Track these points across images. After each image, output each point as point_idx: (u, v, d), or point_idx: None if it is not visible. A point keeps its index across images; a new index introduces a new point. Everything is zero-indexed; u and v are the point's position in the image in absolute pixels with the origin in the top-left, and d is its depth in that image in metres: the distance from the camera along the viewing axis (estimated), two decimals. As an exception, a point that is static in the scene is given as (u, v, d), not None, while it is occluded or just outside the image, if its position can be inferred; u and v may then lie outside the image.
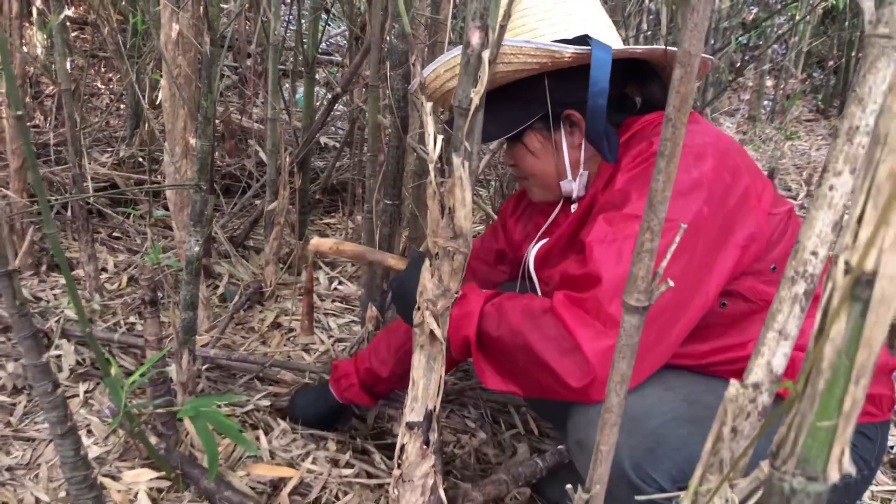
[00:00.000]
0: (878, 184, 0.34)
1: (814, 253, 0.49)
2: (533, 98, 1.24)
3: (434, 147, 0.90)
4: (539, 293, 1.39)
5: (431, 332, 0.97)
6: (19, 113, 1.10)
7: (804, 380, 0.38)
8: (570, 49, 1.15)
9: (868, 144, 0.41)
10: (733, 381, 0.47)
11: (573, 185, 1.31)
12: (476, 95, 0.85)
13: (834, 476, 0.38)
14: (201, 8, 1.76)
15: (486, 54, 0.84)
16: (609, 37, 1.25)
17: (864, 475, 1.22)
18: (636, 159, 1.16)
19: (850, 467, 0.38)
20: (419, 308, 0.98)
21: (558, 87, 1.22)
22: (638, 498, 1.02)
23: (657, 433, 1.06)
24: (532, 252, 1.41)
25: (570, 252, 1.28)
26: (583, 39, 1.19)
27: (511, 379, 1.16)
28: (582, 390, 1.05)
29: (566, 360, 1.04)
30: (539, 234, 1.43)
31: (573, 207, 1.35)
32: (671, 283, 0.65)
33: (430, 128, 0.90)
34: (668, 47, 1.23)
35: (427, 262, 0.96)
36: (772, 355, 0.49)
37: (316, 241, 1.50)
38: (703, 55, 1.32)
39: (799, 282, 0.49)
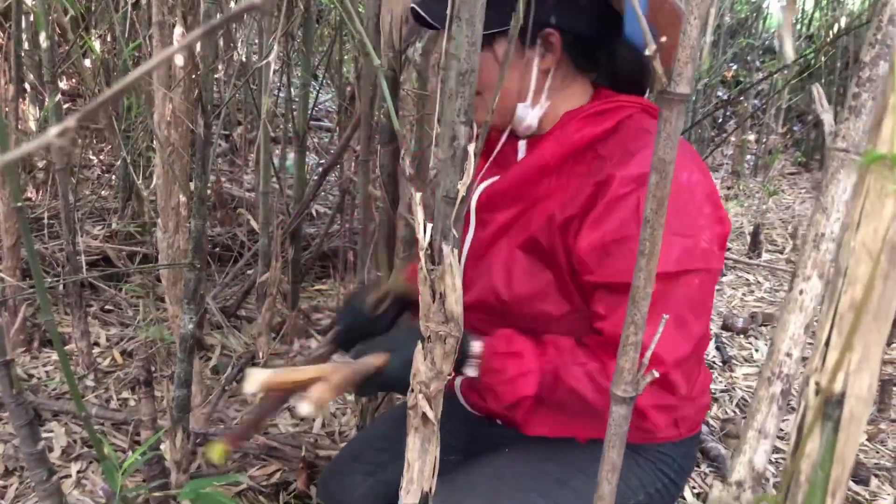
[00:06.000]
0: (842, 312, 0.36)
1: (788, 354, 0.51)
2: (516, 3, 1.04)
3: (424, 235, 0.92)
4: (471, 233, 1.29)
5: (424, 414, 0.98)
6: (18, 205, 1.12)
7: (784, 493, 0.40)
8: None
9: (832, 274, 0.43)
10: (716, 483, 0.49)
11: (529, 113, 1.21)
12: (463, 187, 0.88)
13: (815, 586, 0.39)
14: (195, 92, 1.80)
15: (471, 148, 0.88)
16: None
17: (665, 485, 1.28)
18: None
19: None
20: (412, 390, 1.00)
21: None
22: None
23: None
24: (478, 190, 1.28)
25: (515, 203, 1.22)
26: None
27: (559, 427, 1.22)
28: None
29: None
30: (486, 167, 1.28)
31: (521, 145, 1.26)
32: (656, 374, 0.67)
33: (420, 216, 0.93)
34: None
35: (420, 346, 0.98)
36: (753, 453, 0.51)
37: (261, 378, 1.03)
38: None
39: (775, 382, 0.51)
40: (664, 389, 1.10)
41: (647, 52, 0.56)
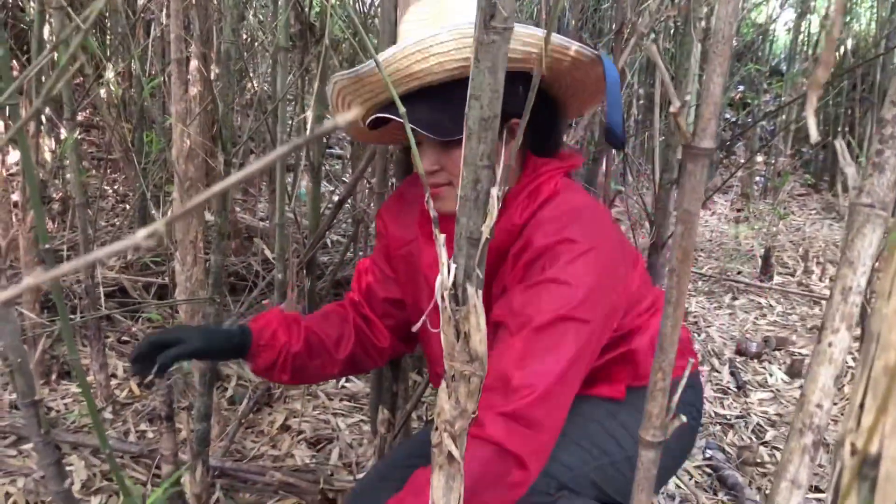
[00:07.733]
0: (875, 377, 0.37)
1: (818, 406, 0.53)
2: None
3: (448, 275, 0.94)
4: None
5: (449, 452, 0.99)
6: (47, 246, 1.14)
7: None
8: (590, 51, 1.19)
9: (860, 331, 0.44)
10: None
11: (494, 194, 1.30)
12: (487, 229, 0.90)
13: None
14: (214, 128, 1.84)
15: (494, 191, 0.89)
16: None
17: (694, 418, 1.37)
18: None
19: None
20: (437, 429, 1.01)
21: (507, 91, 1.02)
22: None
23: None
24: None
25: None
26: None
27: None
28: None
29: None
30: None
31: None
32: (683, 419, 0.68)
33: (443, 256, 0.94)
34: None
35: (444, 384, 0.99)
36: (786, 504, 0.52)
37: None
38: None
39: (807, 433, 0.52)
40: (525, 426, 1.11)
41: (672, 109, 0.58)
